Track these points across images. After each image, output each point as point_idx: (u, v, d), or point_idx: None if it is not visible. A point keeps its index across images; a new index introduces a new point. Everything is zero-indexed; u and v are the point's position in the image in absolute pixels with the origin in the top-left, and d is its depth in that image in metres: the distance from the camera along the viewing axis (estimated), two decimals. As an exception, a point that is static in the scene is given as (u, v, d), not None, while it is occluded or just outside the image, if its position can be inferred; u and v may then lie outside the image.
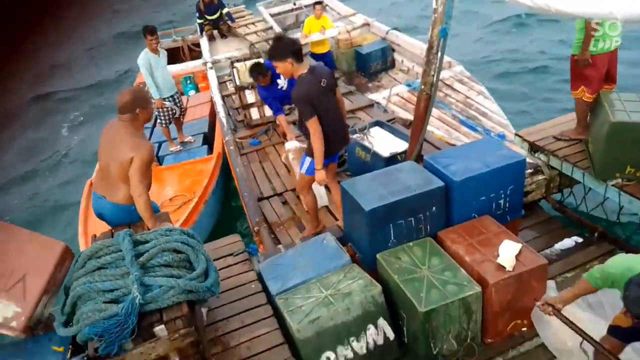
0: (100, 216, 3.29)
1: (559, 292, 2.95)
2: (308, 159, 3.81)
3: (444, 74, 6.99)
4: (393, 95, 6.68)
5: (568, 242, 3.77)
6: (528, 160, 4.03)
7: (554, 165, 4.12)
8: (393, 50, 8.35)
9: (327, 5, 10.40)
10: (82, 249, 4.85)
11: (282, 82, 5.20)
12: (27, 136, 10.22)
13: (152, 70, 5.92)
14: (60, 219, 7.14)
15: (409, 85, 7.05)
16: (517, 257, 2.82)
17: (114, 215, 3.24)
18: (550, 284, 3.03)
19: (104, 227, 3.32)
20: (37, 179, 8.64)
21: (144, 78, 6.00)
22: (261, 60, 5.63)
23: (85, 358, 2.37)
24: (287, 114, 5.76)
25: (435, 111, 6.19)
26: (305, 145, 4.00)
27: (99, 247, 2.59)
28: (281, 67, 3.49)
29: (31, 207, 7.80)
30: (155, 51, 5.93)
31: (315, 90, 3.51)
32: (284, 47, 3.45)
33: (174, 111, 6.30)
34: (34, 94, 12.07)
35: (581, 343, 2.62)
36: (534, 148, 4.24)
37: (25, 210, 7.70)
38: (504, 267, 2.79)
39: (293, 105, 3.58)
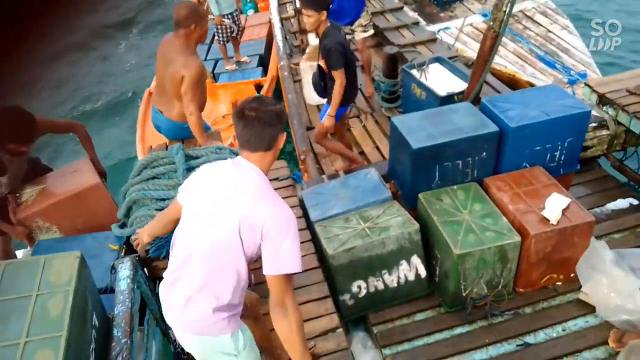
0: (158, 129, 3.46)
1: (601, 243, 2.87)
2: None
3: (526, 5, 6.45)
4: (466, 25, 6.25)
5: (622, 203, 3.60)
6: (594, 113, 3.78)
7: (621, 121, 3.85)
8: None
9: None
10: (139, 155, 5.16)
11: None
12: (91, 58, 10.56)
13: None
14: (123, 124, 7.54)
15: (485, 15, 6.56)
16: (563, 211, 2.75)
17: (169, 131, 3.40)
18: (595, 242, 2.95)
19: (160, 136, 3.50)
20: (102, 88, 9.05)
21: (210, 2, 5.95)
22: None
23: (136, 258, 2.60)
24: None
25: (510, 44, 5.81)
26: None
27: (154, 158, 2.74)
28: (314, 17, 3.48)
29: (98, 109, 8.28)
30: None
31: (344, 40, 3.60)
32: None
33: (232, 29, 6.27)
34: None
35: None
36: (602, 100, 3.95)
37: (93, 114, 8.18)
38: (547, 220, 2.74)
39: (324, 55, 3.60)
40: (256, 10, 8.60)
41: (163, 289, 1.94)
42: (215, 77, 6.54)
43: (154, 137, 3.84)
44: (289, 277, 1.75)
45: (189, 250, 1.83)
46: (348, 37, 5.11)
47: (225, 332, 1.84)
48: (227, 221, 1.75)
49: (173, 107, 3.22)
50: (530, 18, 6.29)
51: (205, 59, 6.87)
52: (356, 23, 5.11)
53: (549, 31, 5.99)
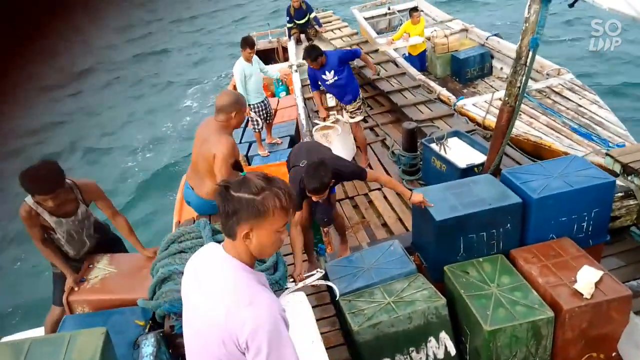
0: (188, 203, 3.59)
1: None
2: None
3: (552, 82, 6.59)
4: (495, 99, 6.27)
5: (660, 275, 3.45)
6: (619, 182, 3.75)
7: (649, 191, 3.80)
8: (492, 56, 8.06)
9: (422, 10, 10.29)
10: (174, 229, 5.24)
11: (329, 77, 5.34)
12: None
13: (246, 79, 6.16)
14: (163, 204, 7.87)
15: None
16: (597, 284, 2.65)
17: (198, 207, 3.51)
18: (635, 318, 2.81)
19: (195, 213, 3.61)
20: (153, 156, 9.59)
21: (237, 86, 6.22)
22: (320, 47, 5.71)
23: (161, 334, 2.58)
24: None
25: (542, 117, 5.89)
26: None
27: (182, 233, 2.81)
28: (326, 191, 3.30)
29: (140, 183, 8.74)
30: (249, 61, 6.18)
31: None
32: None
33: (258, 122, 6.50)
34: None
35: None
36: (627, 170, 3.92)
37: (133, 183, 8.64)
38: (581, 294, 2.64)
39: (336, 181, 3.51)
40: (287, 93, 8.98)
41: None
42: (248, 160, 6.72)
43: (191, 216, 3.94)
44: None
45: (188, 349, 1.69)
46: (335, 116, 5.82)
47: None
48: (206, 333, 1.54)
49: (204, 185, 3.34)
50: (559, 94, 6.34)
51: (240, 142, 7.08)
52: (347, 107, 5.59)
53: (579, 105, 6.00)
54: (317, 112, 7.07)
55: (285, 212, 1.52)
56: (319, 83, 5.58)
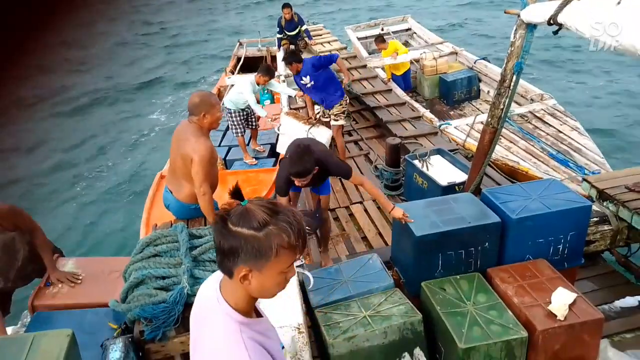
0: (167, 207, 3.52)
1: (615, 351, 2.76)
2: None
3: (534, 106, 6.70)
4: (477, 123, 6.35)
5: (630, 301, 3.51)
6: (594, 208, 3.82)
7: (623, 217, 3.87)
8: (480, 80, 8.18)
9: (414, 33, 10.42)
10: (143, 237, 5.13)
11: (306, 81, 5.57)
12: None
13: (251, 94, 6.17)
14: (132, 201, 7.78)
15: None
16: (570, 306, 2.68)
17: (176, 211, 3.45)
18: (605, 342, 2.84)
19: (166, 217, 3.52)
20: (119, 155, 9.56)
21: (250, 102, 6.14)
22: (299, 52, 5.90)
23: (130, 339, 2.50)
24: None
25: (521, 142, 5.96)
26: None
27: (158, 236, 2.75)
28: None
29: (109, 182, 8.66)
30: (259, 84, 6.18)
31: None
32: None
33: (247, 123, 6.48)
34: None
35: None
36: (602, 196, 4.01)
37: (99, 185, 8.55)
38: (555, 315, 2.66)
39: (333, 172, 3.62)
40: (272, 101, 8.98)
41: None
42: (226, 164, 6.65)
43: (160, 220, 3.87)
44: None
45: None
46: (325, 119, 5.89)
47: None
48: None
49: (182, 188, 3.29)
50: (540, 119, 6.44)
51: (219, 145, 7.03)
52: (331, 111, 5.71)
53: (560, 131, 6.09)
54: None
55: (293, 250, 1.27)
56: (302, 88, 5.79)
